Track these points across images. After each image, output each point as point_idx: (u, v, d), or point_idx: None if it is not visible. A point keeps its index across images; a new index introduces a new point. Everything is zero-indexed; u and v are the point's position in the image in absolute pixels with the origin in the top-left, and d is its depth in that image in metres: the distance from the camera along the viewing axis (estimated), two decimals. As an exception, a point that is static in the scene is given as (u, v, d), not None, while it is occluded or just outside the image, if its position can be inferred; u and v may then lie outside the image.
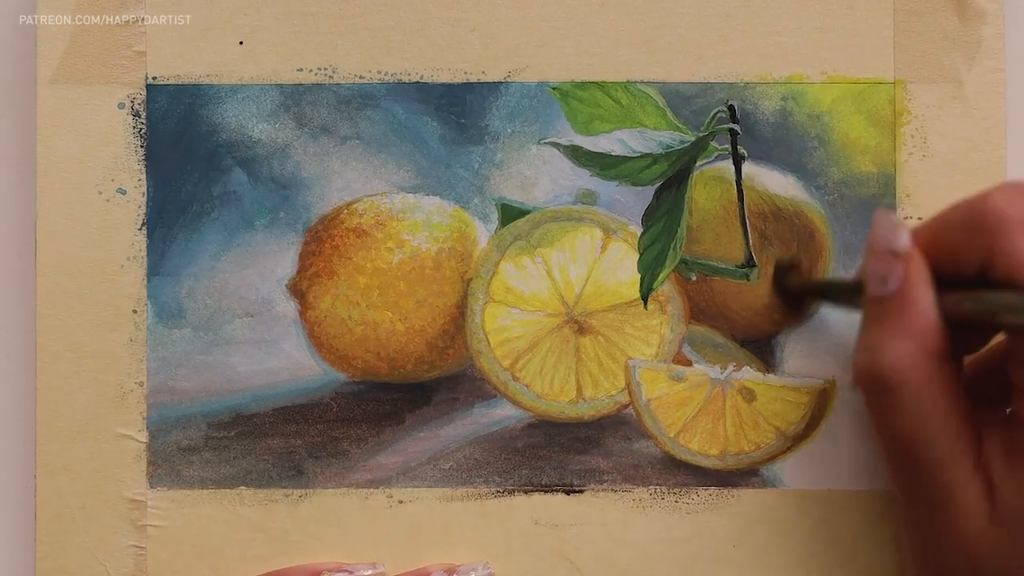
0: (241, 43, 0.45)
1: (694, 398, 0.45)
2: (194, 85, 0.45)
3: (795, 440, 0.45)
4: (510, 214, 0.45)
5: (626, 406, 0.45)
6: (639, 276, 0.45)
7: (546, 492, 0.45)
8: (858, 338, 0.38)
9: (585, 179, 0.45)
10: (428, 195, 0.45)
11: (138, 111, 0.45)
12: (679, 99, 0.45)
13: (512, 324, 0.45)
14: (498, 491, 0.45)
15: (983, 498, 0.36)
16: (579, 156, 0.45)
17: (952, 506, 0.36)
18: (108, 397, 0.44)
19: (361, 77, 0.45)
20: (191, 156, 0.45)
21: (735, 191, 0.45)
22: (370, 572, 0.43)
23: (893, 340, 0.36)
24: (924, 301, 0.36)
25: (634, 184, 0.45)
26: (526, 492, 0.45)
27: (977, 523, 0.36)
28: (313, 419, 0.45)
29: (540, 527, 0.44)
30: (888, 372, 0.36)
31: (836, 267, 0.45)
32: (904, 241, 0.37)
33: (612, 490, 0.45)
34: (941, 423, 0.36)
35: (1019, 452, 0.36)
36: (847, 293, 0.42)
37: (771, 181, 0.45)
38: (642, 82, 0.45)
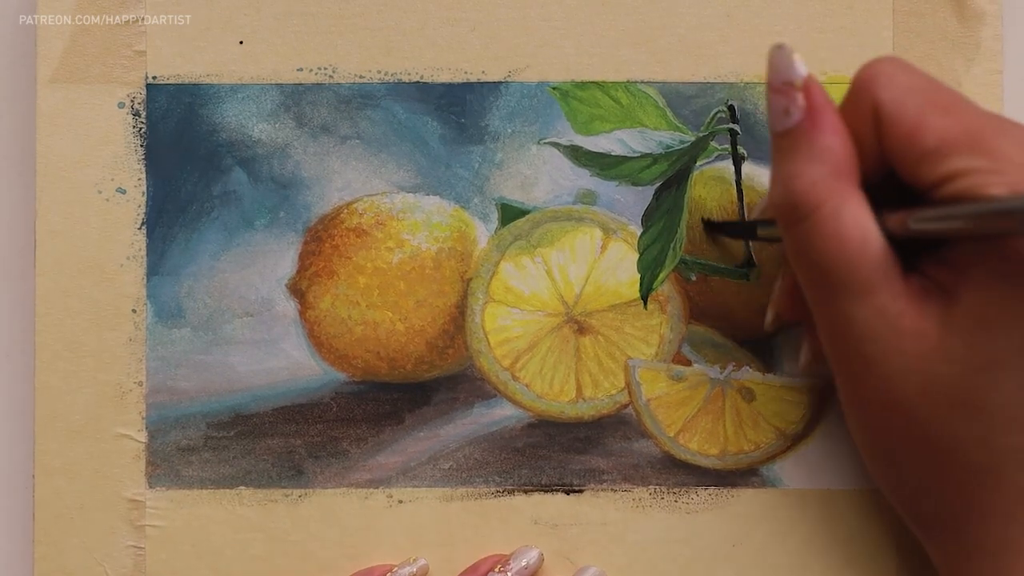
0: (241, 43, 0.45)
1: (694, 398, 0.45)
2: (194, 85, 0.45)
3: (795, 440, 0.45)
4: (510, 214, 0.45)
5: (626, 406, 0.45)
6: (639, 276, 0.45)
7: (546, 492, 0.45)
8: (771, 176, 0.38)
9: (585, 179, 0.45)
10: (428, 195, 0.45)
11: (138, 110, 0.45)
12: (679, 99, 0.45)
13: (512, 324, 0.45)
14: (498, 491, 0.45)
15: (926, 317, 0.36)
16: (579, 156, 0.45)
17: (896, 330, 0.36)
18: (107, 397, 0.44)
19: (361, 77, 0.45)
20: (191, 156, 0.45)
21: (735, 191, 0.45)
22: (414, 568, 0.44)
23: (805, 165, 0.36)
24: (830, 123, 0.37)
25: (634, 184, 0.45)
26: (526, 492, 0.45)
27: (926, 342, 0.35)
28: (313, 419, 0.45)
29: (540, 527, 0.44)
30: (804, 197, 0.36)
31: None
32: (800, 70, 0.37)
33: (612, 490, 0.44)
34: (861, 244, 0.36)
35: (980, 258, 0.35)
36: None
37: (771, 181, 0.45)
38: (642, 82, 0.45)
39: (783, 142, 0.37)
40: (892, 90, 0.36)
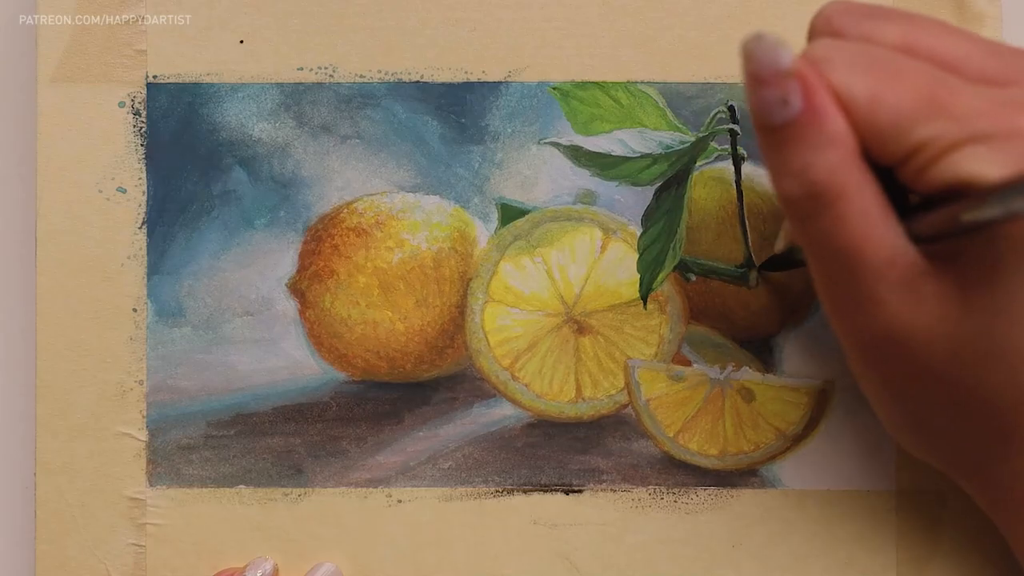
0: (242, 42, 0.45)
1: (693, 398, 0.45)
2: (194, 84, 0.45)
3: (794, 440, 0.45)
4: (510, 214, 0.45)
5: (625, 406, 0.45)
6: (639, 276, 0.45)
7: (545, 492, 0.45)
8: (774, 172, 0.36)
9: (585, 179, 0.45)
10: (428, 195, 0.45)
11: (138, 110, 0.45)
12: (679, 99, 0.45)
13: (512, 324, 0.45)
14: (497, 491, 0.45)
15: (942, 279, 0.36)
16: (579, 156, 0.45)
17: (920, 297, 0.36)
18: (108, 396, 0.44)
19: (361, 76, 0.45)
20: (191, 155, 0.45)
21: (735, 191, 0.45)
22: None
23: (819, 154, 0.35)
24: (833, 107, 0.35)
25: (634, 184, 0.45)
26: (525, 492, 0.45)
27: (948, 302, 0.36)
28: (313, 418, 0.45)
29: (539, 527, 0.44)
30: (826, 185, 0.35)
31: (836, 268, 0.45)
32: (789, 55, 0.35)
33: (611, 490, 0.45)
34: (885, 222, 0.35)
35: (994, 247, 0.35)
36: None
37: (771, 181, 0.45)
38: (642, 82, 0.45)
39: (786, 134, 0.35)
40: (837, 71, 0.35)
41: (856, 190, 0.35)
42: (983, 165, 0.33)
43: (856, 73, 0.35)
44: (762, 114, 0.35)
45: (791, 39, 0.44)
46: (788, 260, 0.43)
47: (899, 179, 0.36)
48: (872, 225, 0.35)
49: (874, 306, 0.36)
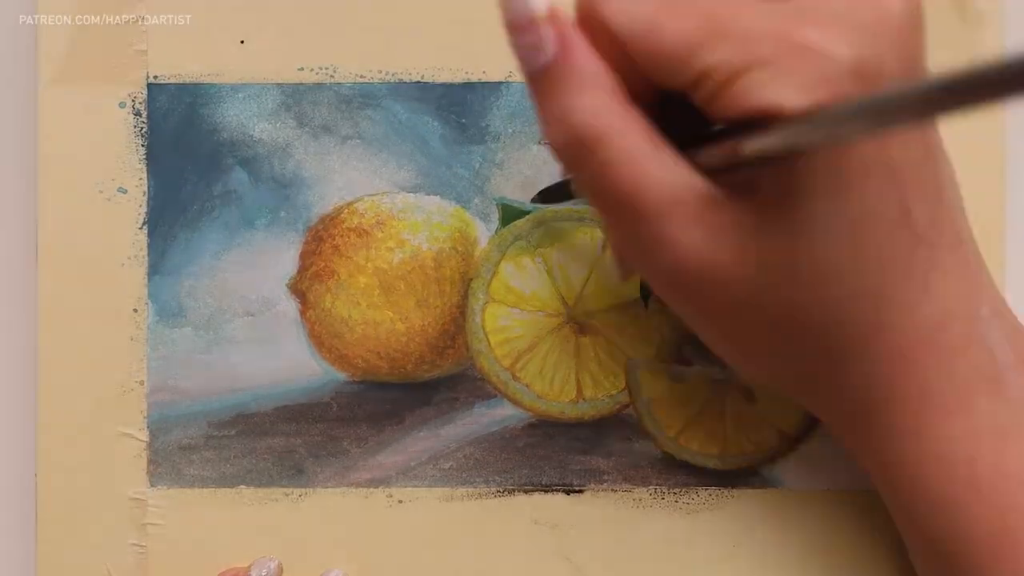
0: (242, 42, 0.45)
1: (694, 398, 0.45)
2: (195, 84, 0.45)
3: (795, 440, 0.45)
4: (510, 214, 0.45)
5: (626, 406, 0.45)
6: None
7: (546, 492, 0.45)
8: (540, 121, 0.35)
9: (586, 179, 0.45)
10: (429, 195, 0.45)
11: (139, 110, 0.45)
12: (680, 99, 0.45)
13: (512, 324, 0.45)
14: (498, 491, 0.45)
15: (744, 224, 0.34)
16: (580, 156, 0.45)
17: (718, 235, 0.34)
18: (109, 396, 0.44)
19: (362, 76, 0.45)
20: (192, 155, 0.45)
21: (736, 191, 0.45)
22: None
23: (576, 98, 0.34)
24: (587, 49, 0.34)
25: (635, 184, 0.45)
26: (526, 492, 0.45)
27: (749, 244, 0.34)
28: (313, 418, 0.45)
29: (540, 527, 0.44)
30: (585, 130, 0.34)
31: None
32: (540, 2, 0.34)
33: (612, 490, 0.45)
34: (658, 160, 0.34)
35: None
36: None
37: (772, 181, 0.45)
38: (643, 82, 0.45)
39: (544, 81, 0.34)
40: (614, 2, 0.34)
41: (618, 133, 0.34)
42: (770, 92, 0.32)
43: (635, 2, 0.34)
44: (521, 62, 0.35)
45: (792, 39, 0.44)
46: (564, 193, 0.43)
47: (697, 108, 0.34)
48: (642, 165, 0.34)
49: (663, 246, 0.35)
